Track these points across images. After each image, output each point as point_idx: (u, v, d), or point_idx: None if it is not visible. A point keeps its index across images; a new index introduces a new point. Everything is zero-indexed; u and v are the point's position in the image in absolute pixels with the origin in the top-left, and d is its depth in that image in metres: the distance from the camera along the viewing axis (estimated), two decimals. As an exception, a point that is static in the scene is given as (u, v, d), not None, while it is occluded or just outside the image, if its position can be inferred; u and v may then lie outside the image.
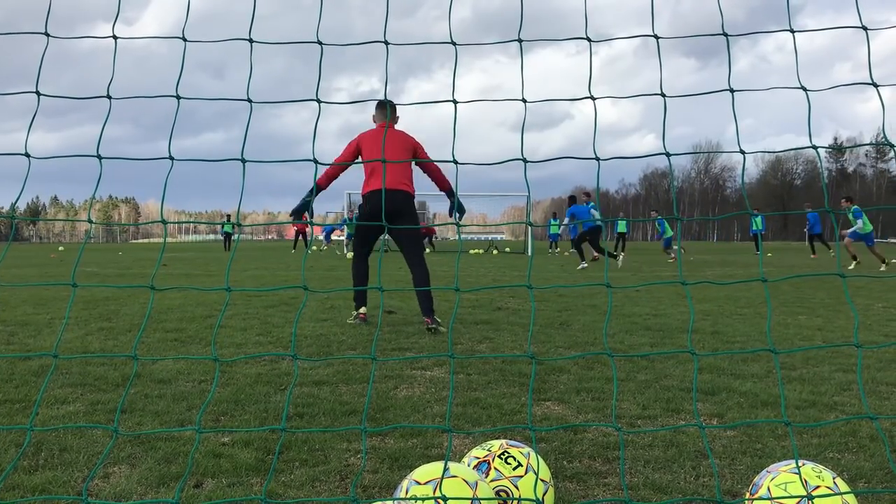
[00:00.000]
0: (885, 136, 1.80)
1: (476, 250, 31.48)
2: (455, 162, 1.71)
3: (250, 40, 1.68)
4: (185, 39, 1.65)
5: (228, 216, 37.73)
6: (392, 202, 5.90)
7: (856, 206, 15.55)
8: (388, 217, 5.98)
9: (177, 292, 9.16)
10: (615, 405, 3.25)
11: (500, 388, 3.67)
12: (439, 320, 5.84)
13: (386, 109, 5.62)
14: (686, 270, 15.00)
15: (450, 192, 6.13)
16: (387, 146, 5.96)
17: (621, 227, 28.85)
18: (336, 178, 6.11)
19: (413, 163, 6.12)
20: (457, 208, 5.91)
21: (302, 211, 6.12)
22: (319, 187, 6.10)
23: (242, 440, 2.73)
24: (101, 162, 1.67)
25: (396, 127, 6.13)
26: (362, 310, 6.15)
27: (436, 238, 32.37)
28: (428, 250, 29.57)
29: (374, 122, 6.26)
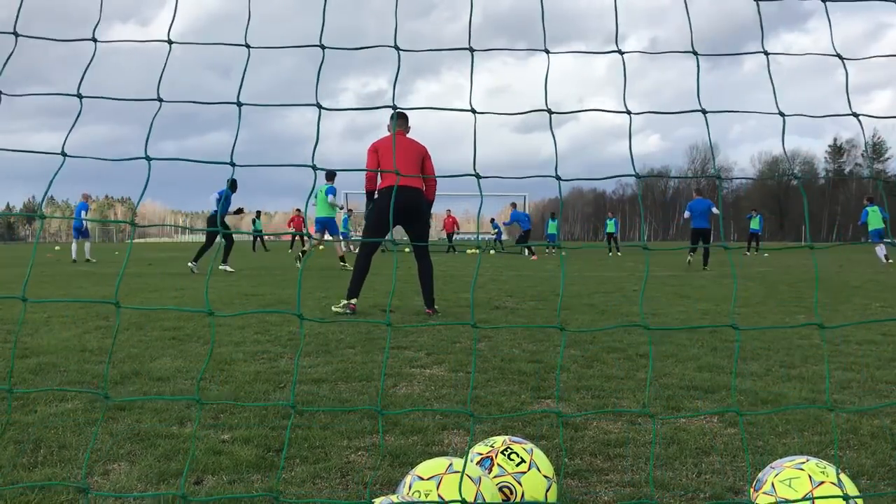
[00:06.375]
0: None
1: (473, 250, 31.43)
2: (477, 176, 1.68)
3: (247, 45, 1.67)
4: (170, 42, 1.64)
5: (258, 212, 36.42)
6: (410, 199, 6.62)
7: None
8: (406, 213, 6.66)
9: (175, 291, 9.14)
10: (648, 390, 3.25)
11: (500, 386, 3.67)
12: (437, 308, 6.83)
13: (399, 120, 6.55)
14: (683, 270, 15.03)
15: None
16: (401, 153, 6.69)
17: (610, 227, 28.78)
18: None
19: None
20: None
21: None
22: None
23: (242, 437, 2.72)
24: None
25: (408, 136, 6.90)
26: (353, 300, 6.72)
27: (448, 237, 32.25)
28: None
29: (388, 130, 6.91)
